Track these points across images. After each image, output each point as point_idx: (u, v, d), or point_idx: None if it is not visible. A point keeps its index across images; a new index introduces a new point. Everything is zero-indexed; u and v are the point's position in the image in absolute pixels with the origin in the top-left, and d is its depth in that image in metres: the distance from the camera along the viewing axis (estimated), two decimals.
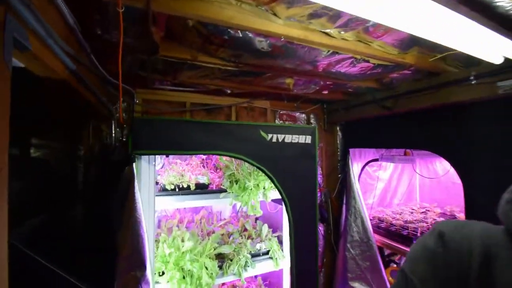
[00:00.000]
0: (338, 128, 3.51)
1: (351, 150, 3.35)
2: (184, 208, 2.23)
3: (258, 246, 2.06)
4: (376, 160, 3.50)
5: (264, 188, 1.95)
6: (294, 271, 1.78)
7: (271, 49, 1.58)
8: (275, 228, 2.37)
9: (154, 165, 1.52)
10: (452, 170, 3.77)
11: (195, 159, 2.12)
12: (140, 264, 1.24)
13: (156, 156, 2.17)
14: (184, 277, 1.72)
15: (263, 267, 2.04)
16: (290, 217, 1.69)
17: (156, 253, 1.71)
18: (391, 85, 2.52)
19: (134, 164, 1.31)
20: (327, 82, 2.41)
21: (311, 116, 3.38)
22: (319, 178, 3.37)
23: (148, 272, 1.28)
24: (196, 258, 1.73)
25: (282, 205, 2.09)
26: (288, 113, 3.15)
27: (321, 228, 3.30)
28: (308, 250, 1.83)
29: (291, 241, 1.76)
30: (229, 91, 2.57)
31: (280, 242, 2.26)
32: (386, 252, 3.43)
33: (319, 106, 3.39)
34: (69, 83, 1.24)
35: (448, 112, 2.35)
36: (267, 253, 2.10)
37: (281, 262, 2.09)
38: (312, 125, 1.87)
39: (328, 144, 3.48)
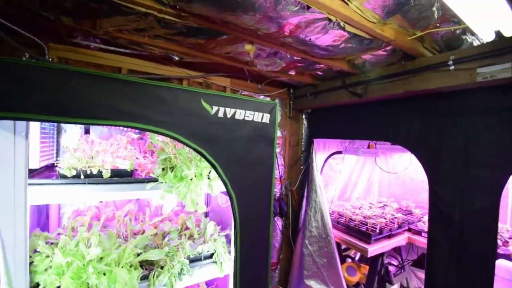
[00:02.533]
0: (303, 117, 3.20)
1: (315, 141, 3.07)
2: (102, 201, 1.70)
3: (199, 248, 1.63)
4: (340, 152, 3.28)
5: (209, 177, 1.51)
6: (237, 279, 1.40)
7: None
8: (225, 225, 1.97)
9: (26, 136, 0.98)
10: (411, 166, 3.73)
11: (122, 138, 1.60)
12: None
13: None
14: None
15: (204, 273, 1.62)
16: (236, 216, 1.29)
17: (51, 262, 1.20)
18: (363, 69, 2.23)
19: None
20: (295, 58, 2.03)
21: (276, 101, 3.00)
22: (281, 170, 3.05)
23: None
24: (108, 269, 1.26)
25: None
26: (251, 95, 2.74)
27: (279, 223, 3.00)
28: (257, 255, 1.45)
29: (235, 244, 1.37)
30: (177, 58, 2.06)
31: (230, 241, 1.86)
32: (342, 247, 3.28)
33: (285, 90, 3.03)
34: None
35: (420, 102, 2.13)
36: (210, 256, 1.68)
37: (227, 266, 1.70)
38: (274, 101, 1.46)
39: (292, 133, 3.16)
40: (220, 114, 1.23)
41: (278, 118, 1.44)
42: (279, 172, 2.98)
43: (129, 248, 1.34)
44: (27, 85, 0.85)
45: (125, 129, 1.85)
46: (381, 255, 2.90)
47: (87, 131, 1.76)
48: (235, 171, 1.28)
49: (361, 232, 2.78)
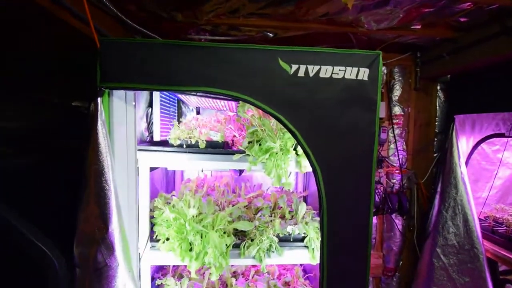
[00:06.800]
0: (438, 87, 2.38)
1: (457, 118, 2.21)
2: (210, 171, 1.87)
3: (289, 229, 1.51)
4: (501, 135, 2.20)
5: (297, 153, 1.35)
6: (324, 269, 1.16)
7: None
8: None
9: (135, 106, 1.17)
10: None
11: (220, 115, 1.70)
12: (101, 221, 0.94)
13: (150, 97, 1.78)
14: (191, 249, 1.39)
15: (294, 256, 1.49)
16: (322, 191, 1.06)
17: (163, 216, 1.43)
18: None
19: (100, 100, 0.99)
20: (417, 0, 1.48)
21: (395, 70, 2.38)
22: (402, 157, 2.41)
23: (114, 232, 0.98)
24: (204, 230, 1.36)
25: None
26: None
27: (398, 222, 2.40)
28: (351, 245, 1.15)
29: (321, 226, 1.14)
30: (271, 35, 1.98)
31: None
32: (501, 267, 2.24)
33: (409, 55, 2.34)
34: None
35: None
36: (301, 240, 1.52)
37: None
38: (376, 51, 1.09)
39: (419, 110, 2.41)
40: (301, 73, 1.04)
41: (381, 75, 1.06)
42: (399, 160, 2.38)
43: (221, 214, 1.40)
44: (149, 59, 1.02)
45: (226, 109, 1.97)
46: None
47: (198, 113, 2.01)
48: (320, 140, 1.05)
49: None
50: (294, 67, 1.03)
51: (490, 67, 1.89)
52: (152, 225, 1.54)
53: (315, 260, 1.46)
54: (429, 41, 2.09)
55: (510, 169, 2.42)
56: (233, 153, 1.39)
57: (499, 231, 1.97)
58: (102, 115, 0.99)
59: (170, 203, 1.61)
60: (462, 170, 2.13)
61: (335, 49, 1.07)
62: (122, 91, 1.12)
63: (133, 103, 1.17)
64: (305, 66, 1.03)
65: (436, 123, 2.43)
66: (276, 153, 1.30)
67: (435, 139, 2.44)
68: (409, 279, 2.41)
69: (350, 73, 1.04)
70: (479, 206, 2.30)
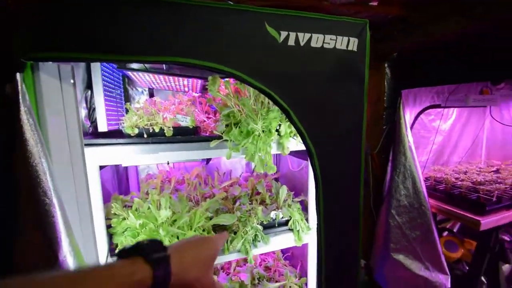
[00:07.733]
0: (386, 65, 2.54)
1: (403, 93, 2.42)
2: (170, 164, 1.64)
3: (273, 214, 1.43)
4: (438, 106, 2.53)
5: (278, 133, 1.24)
6: (322, 251, 1.13)
7: None
8: (298, 191, 1.71)
9: (74, 84, 0.86)
10: None
11: (183, 97, 1.45)
12: (46, 248, 0.68)
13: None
14: None
15: (280, 241, 1.43)
16: (317, 173, 0.99)
17: (127, 225, 1.17)
18: None
19: (20, 77, 0.68)
20: None
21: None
22: None
23: (67, 259, 0.73)
24: (181, 231, 1.16)
25: (307, 160, 1.39)
26: None
27: None
28: (346, 223, 1.14)
29: (318, 209, 1.08)
30: (231, 3, 1.76)
31: (305, 209, 1.61)
32: (438, 217, 2.67)
33: None
34: None
35: None
36: (285, 223, 1.46)
37: (306, 236, 1.46)
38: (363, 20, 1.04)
39: (371, 87, 2.53)
40: (291, 42, 0.90)
41: (369, 46, 1.01)
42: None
43: (200, 211, 1.22)
44: (95, 18, 0.70)
45: (188, 90, 1.71)
46: (496, 229, 2.25)
47: (151, 95, 1.70)
48: (314, 118, 0.96)
49: (471, 200, 2.16)
50: (283, 34, 0.88)
51: (434, 45, 2.06)
52: (110, 235, 1.26)
53: (301, 242, 1.42)
54: (382, 19, 2.17)
55: (442, 135, 2.80)
56: (208, 140, 1.19)
57: (440, 188, 2.29)
58: (25, 99, 0.67)
59: (130, 206, 1.34)
60: (409, 139, 2.36)
61: (325, 14, 0.96)
62: (54, 64, 0.80)
63: (72, 81, 0.85)
64: (295, 33, 0.89)
65: (385, 98, 2.62)
66: (259, 136, 1.17)
67: (384, 113, 2.64)
68: (368, 240, 2.66)
69: (341, 43, 0.95)
70: (421, 169, 2.63)
